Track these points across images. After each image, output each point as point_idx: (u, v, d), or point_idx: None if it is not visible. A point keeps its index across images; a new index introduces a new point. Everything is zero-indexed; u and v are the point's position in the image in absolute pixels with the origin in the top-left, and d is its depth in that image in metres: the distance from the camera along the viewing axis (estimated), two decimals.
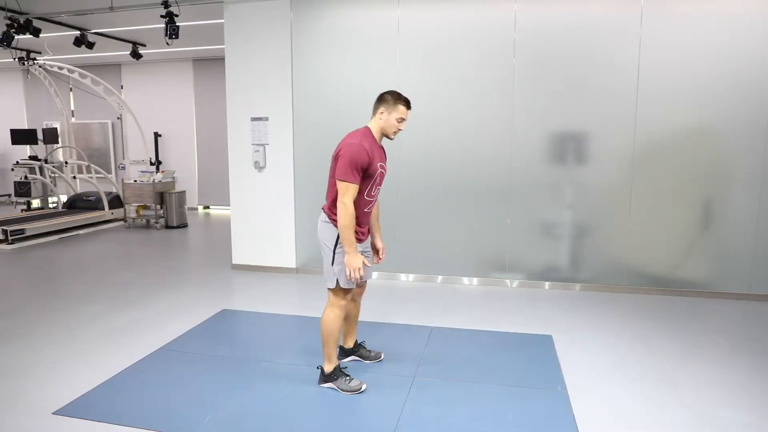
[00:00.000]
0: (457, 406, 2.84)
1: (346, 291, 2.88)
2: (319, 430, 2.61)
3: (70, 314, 4.33)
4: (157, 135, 10.69)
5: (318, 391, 2.99)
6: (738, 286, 4.79)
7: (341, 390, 2.93)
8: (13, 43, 6.54)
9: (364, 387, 2.96)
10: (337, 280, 2.83)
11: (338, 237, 2.79)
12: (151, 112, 10.64)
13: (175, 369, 3.28)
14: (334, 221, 2.79)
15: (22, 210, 9.48)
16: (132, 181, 8.64)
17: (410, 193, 5.31)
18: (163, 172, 8.89)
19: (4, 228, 7.05)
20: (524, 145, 4.99)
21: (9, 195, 11.39)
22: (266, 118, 5.49)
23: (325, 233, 2.86)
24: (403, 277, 5.41)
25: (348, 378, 2.97)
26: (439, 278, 5.33)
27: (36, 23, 6.53)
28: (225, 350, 3.57)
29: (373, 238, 3.10)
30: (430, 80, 5.12)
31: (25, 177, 9.19)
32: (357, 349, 3.33)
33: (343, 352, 3.30)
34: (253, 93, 5.51)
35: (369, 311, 4.30)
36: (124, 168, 9.42)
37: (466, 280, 5.27)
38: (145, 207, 8.95)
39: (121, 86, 10.91)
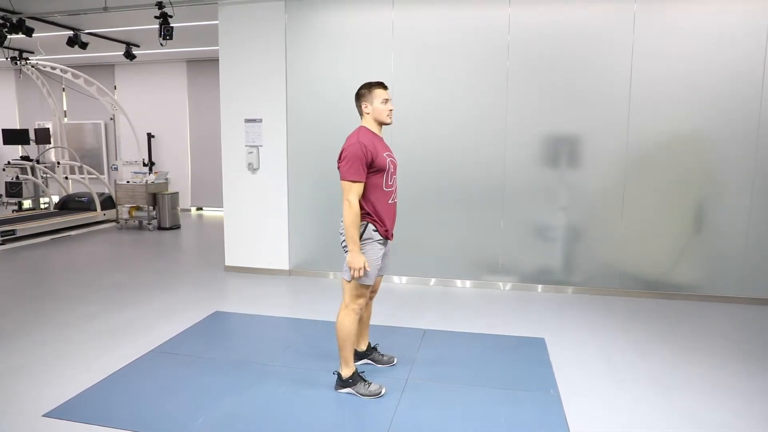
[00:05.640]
0: (450, 408, 2.84)
1: (361, 293, 2.85)
2: None
3: (62, 315, 4.30)
4: (150, 136, 10.65)
5: (310, 393, 2.98)
6: (729, 289, 4.82)
7: (361, 395, 2.90)
8: (6, 43, 6.49)
9: (383, 391, 2.94)
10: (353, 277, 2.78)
11: (362, 232, 2.81)
12: (144, 113, 10.61)
13: (168, 371, 3.27)
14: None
15: (13, 210, 9.42)
16: (124, 182, 8.60)
17: (403, 196, 5.32)
18: (156, 173, 8.85)
19: None
20: (518, 147, 5.02)
21: (0, 195, 11.30)
22: (260, 120, 5.48)
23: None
24: (396, 279, 5.42)
25: (367, 383, 2.94)
26: (432, 281, 5.34)
27: (29, 23, 6.50)
28: (218, 352, 3.55)
29: None
30: (424, 82, 5.13)
31: (17, 177, 9.13)
32: (370, 353, 3.33)
33: (356, 355, 3.26)
34: (247, 94, 5.51)
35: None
36: (116, 169, 9.37)
37: (459, 282, 5.28)
38: (138, 208, 8.91)
39: (114, 87, 10.86)
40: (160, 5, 5.58)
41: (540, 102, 4.93)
